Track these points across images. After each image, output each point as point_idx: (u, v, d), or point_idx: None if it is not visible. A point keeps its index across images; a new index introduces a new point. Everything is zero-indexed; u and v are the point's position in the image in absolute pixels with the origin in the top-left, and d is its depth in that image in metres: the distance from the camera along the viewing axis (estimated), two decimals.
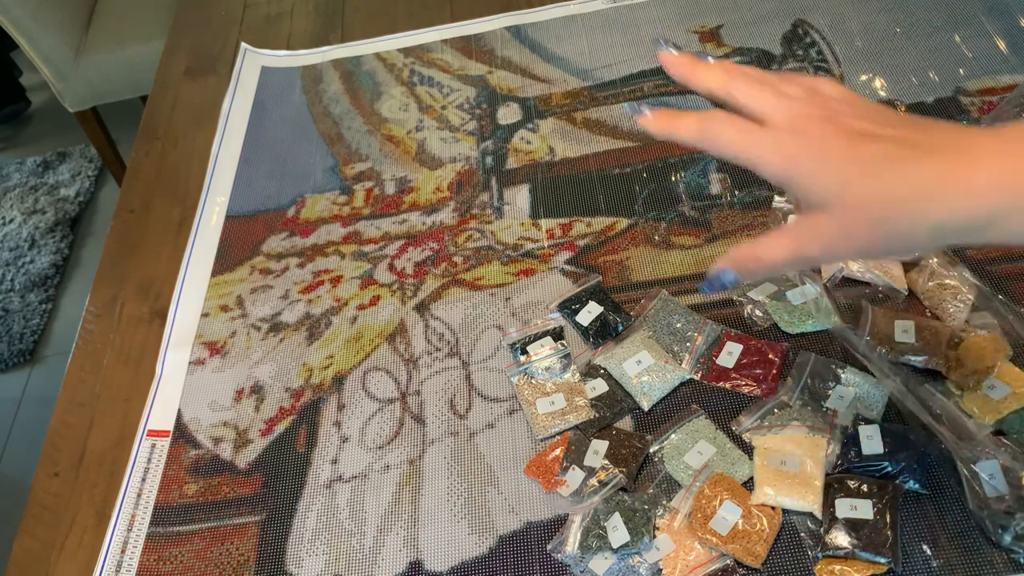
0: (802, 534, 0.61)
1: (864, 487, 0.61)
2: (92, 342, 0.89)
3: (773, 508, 0.63)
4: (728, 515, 0.62)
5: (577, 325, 0.78)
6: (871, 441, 0.64)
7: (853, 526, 0.59)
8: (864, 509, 0.60)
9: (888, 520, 0.59)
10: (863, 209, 0.42)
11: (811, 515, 0.62)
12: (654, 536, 0.63)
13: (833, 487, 0.62)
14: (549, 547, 0.65)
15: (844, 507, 0.61)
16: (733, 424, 0.68)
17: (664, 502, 0.65)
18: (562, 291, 0.81)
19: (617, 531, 0.63)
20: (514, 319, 0.80)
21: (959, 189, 0.39)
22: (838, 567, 0.59)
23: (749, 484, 0.65)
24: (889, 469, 0.62)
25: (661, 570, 0.62)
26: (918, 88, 0.91)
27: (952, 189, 0.39)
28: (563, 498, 0.67)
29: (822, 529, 0.61)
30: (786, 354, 0.72)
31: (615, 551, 0.63)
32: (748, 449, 0.67)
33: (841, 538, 0.59)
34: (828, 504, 0.61)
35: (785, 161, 0.45)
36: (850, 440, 0.64)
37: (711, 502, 0.63)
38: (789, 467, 0.64)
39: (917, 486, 0.62)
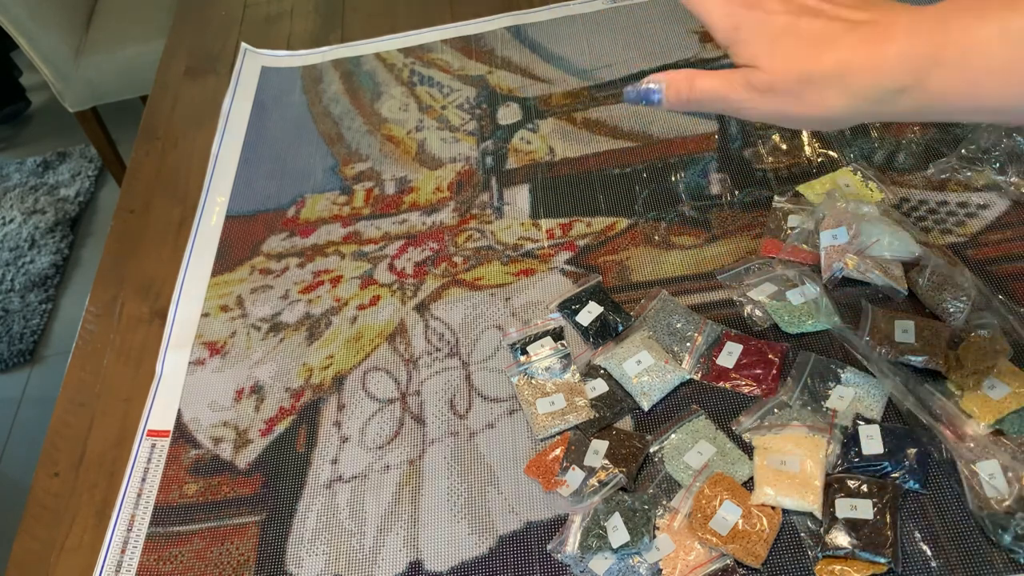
0: (802, 534, 0.61)
1: (864, 487, 0.61)
2: (92, 342, 0.89)
3: (773, 508, 0.63)
4: (728, 515, 0.62)
5: (577, 325, 0.78)
6: (871, 441, 0.64)
7: (853, 526, 0.59)
8: (864, 509, 0.60)
9: (888, 520, 0.59)
10: (788, 71, 0.47)
11: (811, 515, 0.62)
12: (654, 536, 0.63)
13: (833, 487, 0.62)
14: (549, 547, 0.65)
15: (844, 507, 0.61)
16: (733, 424, 0.68)
17: (664, 502, 0.65)
18: (562, 291, 0.81)
19: (617, 531, 0.63)
20: (514, 319, 0.80)
21: (871, 60, 0.44)
22: (838, 567, 0.59)
23: (749, 484, 0.65)
24: (889, 469, 0.62)
25: (661, 570, 0.62)
26: None
27: (865, 60, 0.44)
28: (563, 498, 0.67)
29: (822, 529, 0.61)
30: (786, 354, 0.72)
31: (615, 551, 0.63)
32: (748, 449, 0.67)
33: (841, 538, 0.59)
34: (828, 504, 0.61)
35: (730, 27, 0.50)
36: (850, 440, 0.64)
37: (711, 502, 0.63)
38: (789, 467, 0.64)
39: (917, 486, 0.62)
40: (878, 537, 0.59)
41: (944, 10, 0.44)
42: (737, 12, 0.50)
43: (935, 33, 0.43)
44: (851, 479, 0.62)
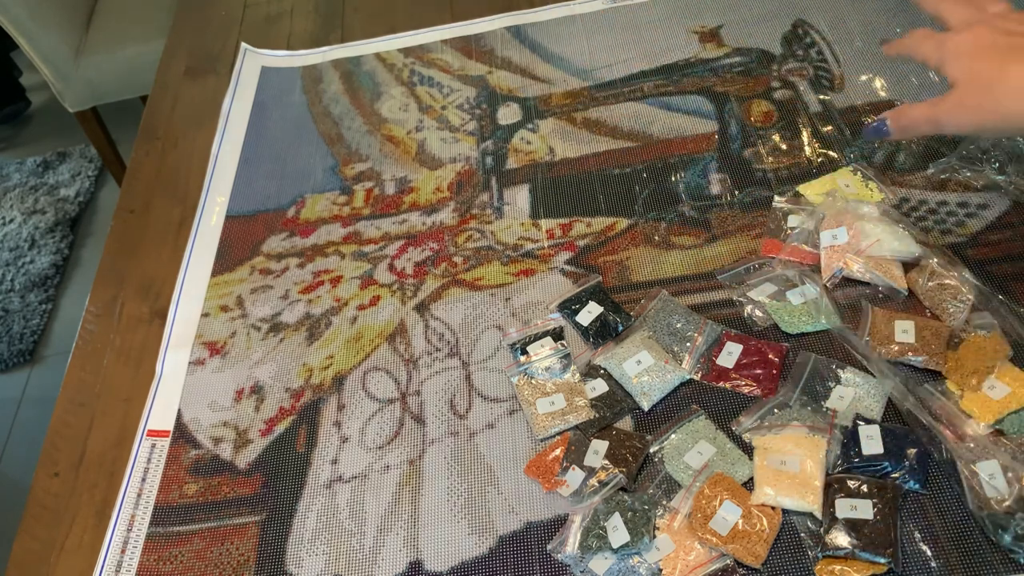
0: (802, 534, 0.61)
1: (864, 487, 0.61)
2: (92, 342, 0.89)
3: (773, 508, 0.63)
4: (728, 515, 0.62)
5: (577, 325, 0.78)
6: (871, 441, 0.64)
7: (853, 526, 0.59)
8: (864, 509, 0.60)
9: (888, 520, 0.59)
10: (975, 83, 0.59)
11: (811, 515, 0.62)
12: (654, 536, 0.63)
13: (833, 487, 0.62)
14: (549, 547, 0.65)
15: (844, 507, 0.61)
16: (733, 424, 0.68)
17: (664, 502, 0.65)
18: (562, 291, 0.81)
19: (617, 531, 0.63)
20: (514, 319, 0.80)
21: None
22: (838, 567, 0.59)
23: (749, 484, 0.65)
24: (889, 469, 0.62)
25: (661, 570, 0.62)
26: (918, 88, 0.91)
27: None
28: (563, 498, 0.67)
29: (822, 529, 0.61)
30: (786, 354, 0.72)
31: (615, 551, 0.63)
32: (748, 449, 0.67)
33: (841, 538, 0.59)
34: (828, 504, 0.61)
35: (944, 54, 0.62)
36: (850, 440, 0.64)
37: (711, 502, 0.63)
38: (789, 467, 0.64)
39: (917, 486, 0.62)
40: (878, 537, 0.59)
41: None
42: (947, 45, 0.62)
43: None
44: (851, 479, 0.62)
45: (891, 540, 0.58)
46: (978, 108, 0.59)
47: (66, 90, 2.07)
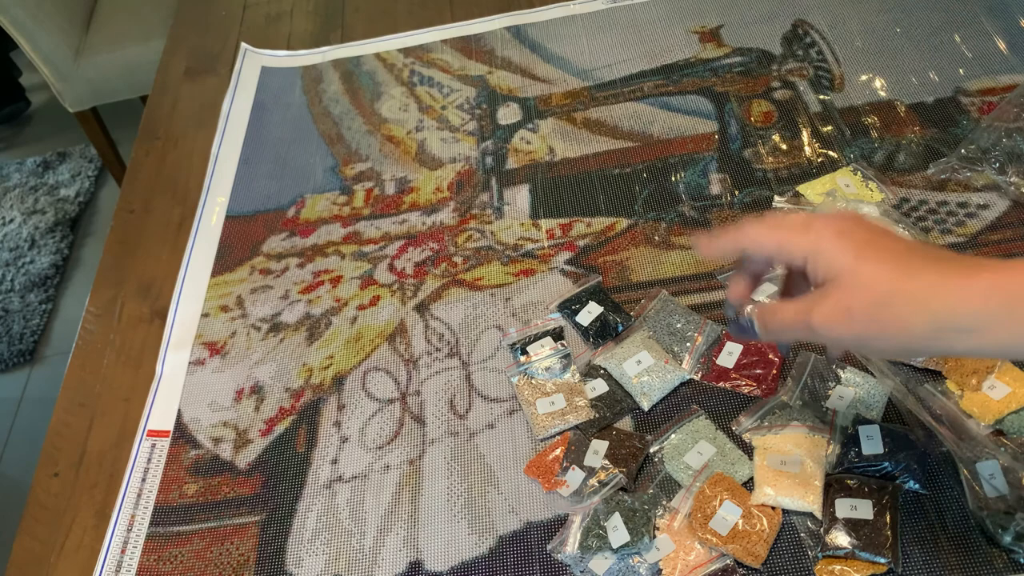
0: (802, 534, 0.61)
1: (864, 487, 0.61)
2: (92, 342, 0.89)
3: (773, 508, 0.63)
4: (728, 515, 0.62)
5: (577, 325, 0.78)
6: (871, 441, 0.64)
7: (853, 526, 0.59)
8: (864, 509, 0.60)
9: (888, 520, 0.59)
10: (869, 288, 0.46)
11: (811, 515, 0.62)
12: (654, 536, 0.63)
13: (833, 487, 0.62)
14: (549, 547, 0.65)
15: (844, 507, 0.61)
16: (733, 424, 0.68)
17: (664, 502, 0.65)
18: (562, 291, 0.81)
19: (617, 531, 0.63)
20: (514, 319, 0.80)
21: (958, 287, 0.44)
22: (838, 567, 0.59)
23: (749, 484, 0.65)
24: (889, 469, 0.62)
25: (661, 570, 0.62)
26: (918, 88, 0.91)
27: (952, 286, 0.44)
28: (563, 498, 0.67)
29: (822, 529, 0.61)
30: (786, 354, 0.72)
31: (615, 551, 0.63)
32: (748, 449, 0.67)
33: (841, 538, 0.59)
34: (828, 504, 0.61)
35: (811, 241, 0.49)
36: (850, 440, 0.64)
37: (711, 502, 0.63)
38: (789, 467, 0.64)
39: (917, 486, 0.62)
40: (878, 537, 0.59)
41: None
42: (815, 226, 0.49)
43: (1017, 273, 0.43)
44: (851, 479, 0.62)
45: (891, 540, 0.58)
46: (870, 320, 0.46)
47: (66, 90, 2.07)
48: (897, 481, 0.62)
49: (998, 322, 0.43)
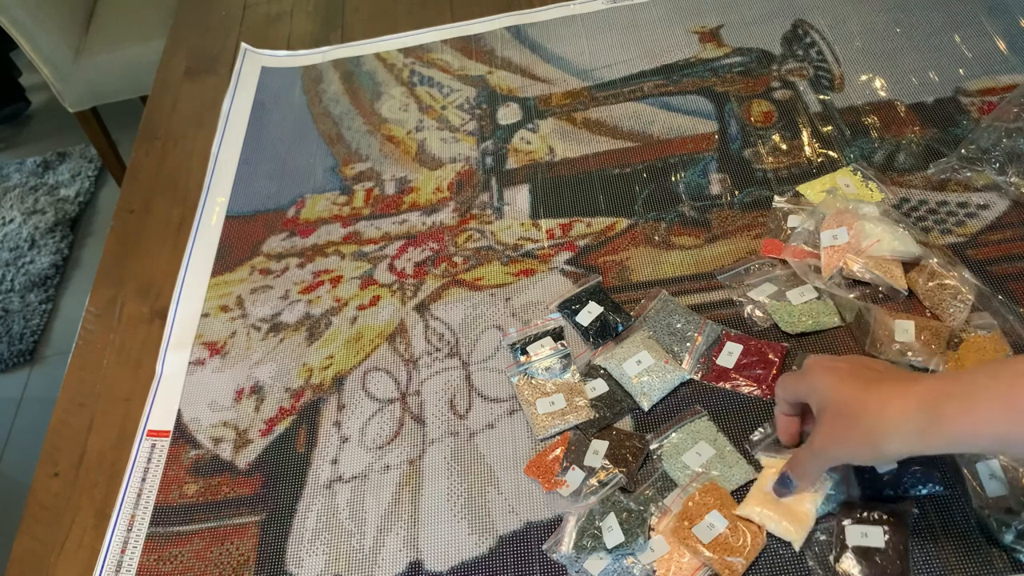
0: (811, 563, 0.60)
1: (874, 513, 0.60)
2: (92, 342, 0.89)
3: (759, 527, 0.62)
4: (713, 524, 0.62)
5: (577, 325, 0.78)
6: None
7: (864, 554, 0.58)
8: (875, 537, 0.59)
9: (899, 548, 0.58)
10: (846, 407, 0.56)
11: (790, 545, 0.61)
12: (649, 537, 0.63)
13: (841, 512, 0.61)
14: (544, 547, 0.65)
15: (855, 534, 0.59)
16: (747, 443, 0.67)
17: (658, 500, 0.65)
18: (562, 291, 0.81)
19: (612, 531, 0.63)
20: (514, 319, 0.80)
21: (901, 399, 0.54)
22: None
23: (745, 489, 0.64)
24: (904, 479, 0.61)
25: (655, 571, 0.62)
26: (918, 88, 0.91)
27: (898, 400, 0.54)
28: (563, 498, 0.67)
29: (832, 557, 0.59)
30: (786, 354, 0.72)
31: (610, 551, 0.62)
32: (753, 460, 0.66)
33: (852, 566, 0.58)
34: (838, 531, 0.60)
35: (808, 383, 0.61)
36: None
37: (699, 508, 0.63)
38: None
39: (940, 488, 0.61)
40: (889, 566, 0.58)
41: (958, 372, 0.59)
42: (812, 369, 0.60)
43: (947, 381, 0.53)
44: (862, 508, 0.61)
45: (903, 569, 0.58)
46: (847, 437, 0.56)
47: (66, 90, 2.07)
48: (915, 489, 0.61)
49: (932, 421, 0.52)
